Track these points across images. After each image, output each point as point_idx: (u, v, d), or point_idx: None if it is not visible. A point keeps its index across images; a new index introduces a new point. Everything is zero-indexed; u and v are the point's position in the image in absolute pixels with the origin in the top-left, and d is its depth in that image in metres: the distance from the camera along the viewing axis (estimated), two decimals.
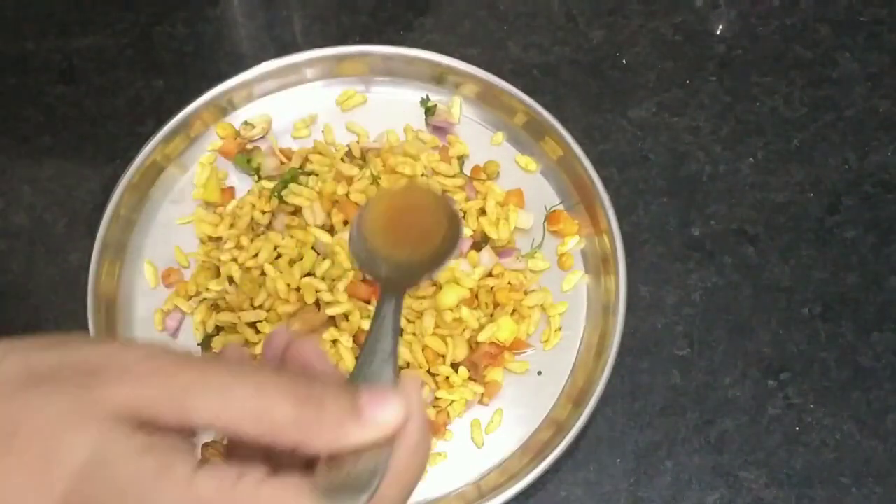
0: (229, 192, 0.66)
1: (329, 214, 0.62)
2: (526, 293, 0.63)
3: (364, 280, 0.60)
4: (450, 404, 0.60)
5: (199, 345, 0.62)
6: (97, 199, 0.66)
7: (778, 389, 0.62)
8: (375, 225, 0.44)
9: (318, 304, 0.60)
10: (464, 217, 0.64)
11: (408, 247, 0.43)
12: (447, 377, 0.60)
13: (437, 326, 0.60)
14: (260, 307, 0.60)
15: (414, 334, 0.61)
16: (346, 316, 0.60)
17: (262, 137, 0.67)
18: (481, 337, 0.61)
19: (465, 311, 0.60)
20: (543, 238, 0.65)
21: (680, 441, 0.61)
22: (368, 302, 0.60)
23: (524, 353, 0.62)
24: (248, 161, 0.66)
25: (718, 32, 0.73)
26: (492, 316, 0.62)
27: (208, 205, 0.65)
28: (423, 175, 0.64)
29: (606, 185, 0.63)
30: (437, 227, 0.44)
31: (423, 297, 0.61)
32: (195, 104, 0.65)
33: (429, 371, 0.60)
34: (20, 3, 0.73)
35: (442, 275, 0.61)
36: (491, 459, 0.60)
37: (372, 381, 0.35)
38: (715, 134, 0.69)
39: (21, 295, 0.64)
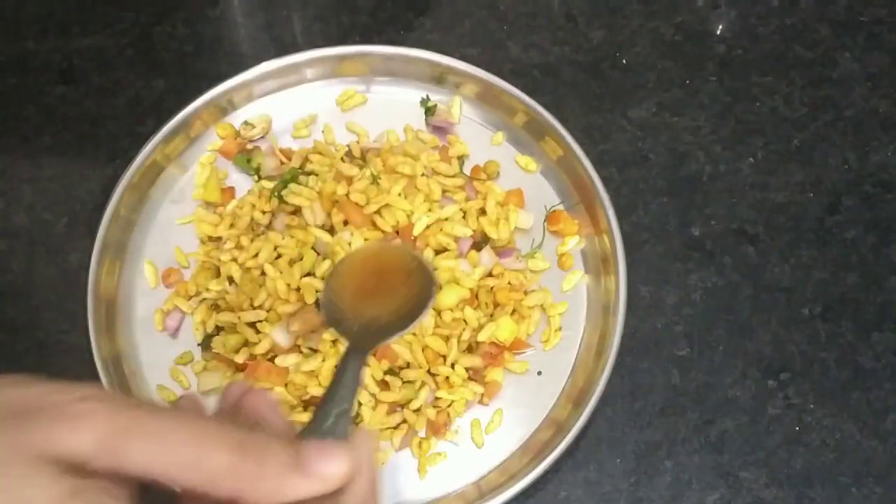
0: (229, 192, 0.66)
1: (329, 214, 0.62)
2: (526, 293, 0.63)
3: None
4: (450, 404, 0.60)
5: (199, 345, 0.62)
6: (97, 199, 0.66)
7: (778, 389, 0.62)
8: (346, 283, 0.45)
9: (318, 304, 0.60)
10: (464, 217, 0.64)
11: (378, 306, 0.44)
12: (447, 377, 0.60)
13: (437, 326, 0.60)
14: (260, 307, 0.60)
15: (414, 334, 0.60)
16: None
17: (262, 137, 0.67)
18: (481, 337, 0.61)
19: (468, 311, 0.60)
20: (543, 238, 0.65)
21: (680, 441, 0.61)
22: None
23: (524, 353, 0.62)
24: (248, 161, 0.66)
25: (718, 32, 0.73)
26: (492, 316, 0.62)
27: (208, 205, 0.65)
28: (423, 175, 0.64)
29: (606, 185, 0.63)
30: (408, 286, 0.45)
31: None
32: (195, 104, 0.65)
33: (429, 371, 0.60)
34: (20, 3, 0.73)
35: (442, 275, 0.61)
36: (491, 459, 0.60)
37: (325, 436, 0.35)
38: (715, 134, 0.69)
39: (21, 295, 0.64)
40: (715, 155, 0.69)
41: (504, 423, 0.61)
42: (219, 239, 0.64)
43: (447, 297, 0.60)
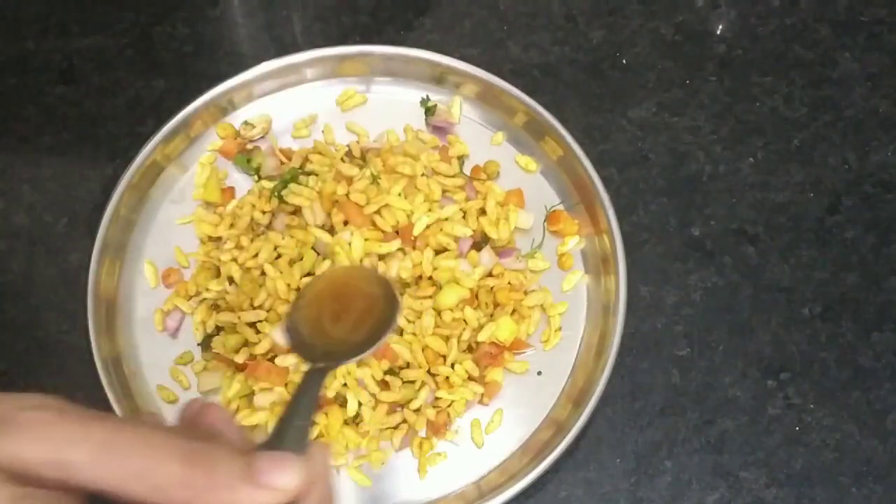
0: (229, 192, 0.66)
1: (329, 214, 0.62)
2: (526, 293, 0.63)
3: None
4: (450, 404, 0.60)
5: (199, 345, 0.62)
6: (97, 199, 0.66)
7: (778, 389, 0.62)
8: (310, 307, 0.46)
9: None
10: (464, 217, 0.64)
11: (341, 329, 0.45)
12: (447, 377, 0.60)
13: (437, 326, 0.60)
14: (260, 307, 0.60)
15: (414, 334, 0.61)
16: None
17: (262, 137, 0.67)
18: (481, 337, 0.61)
19: (468, 311, 0.60)
20: (543, 238, 0.65)
21: (680, 441, 0.61)
22: None
23: (524, 353, 0.62)
24: (248, 161, 0.66)
25: (718, 32, 0.73)
26: (492, 316, 0.62)
27: (208, 205, 0.65)
28: (423, 175, 0.64)
29: (606, 185, 0.63)
30: (371, 308, 0.46)
31: (424, 297, 0.61)
32: (195, 104, 0.65)
33: (429, 371, 0.60)
34: (20, 3, 0.73)
35: (442, 275, 0.61)
36: (491, 459, 0.60)
37: (281, 450, 0.35)
38: (715, 134, 0.69)
39: (21, 295, 0.64)
40: (715, 155, 0.69)
41: (504, 423, 0.61)
42: (219, 239, 0.64)
43: (447, 297, 0.60)
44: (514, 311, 0.62)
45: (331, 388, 0.58)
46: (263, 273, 0.61)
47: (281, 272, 0.61)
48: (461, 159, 0.67)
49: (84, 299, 0.60)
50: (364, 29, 0.73)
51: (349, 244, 0.61)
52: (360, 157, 0.66)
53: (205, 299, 0.62)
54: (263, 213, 0.64)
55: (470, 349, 0.61)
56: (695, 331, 0.64)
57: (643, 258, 0.65)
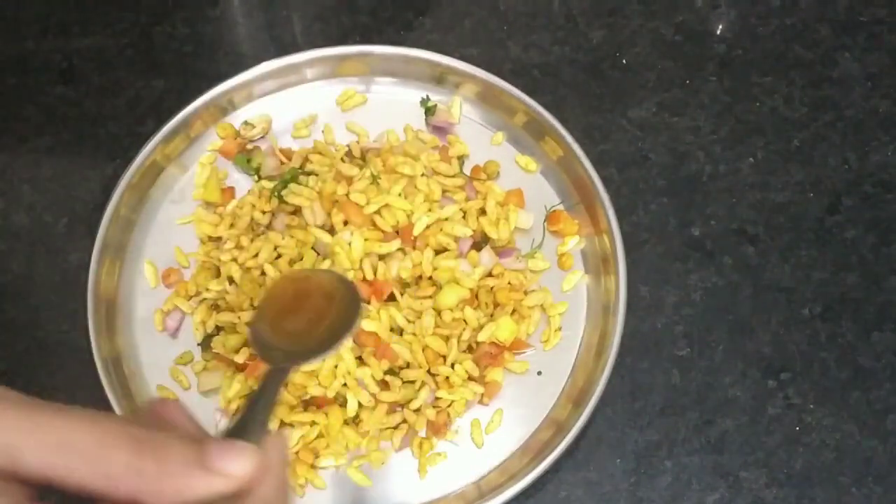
0: (229, 192, 0.66)
1: (329, 214, 0.62)
2: (526, 293, 0.63)
3: (364, 280, 0.60)
4: (450, 404, 0.60)
5: (199, 345, 0.62)
6: (97, 199, 0.66)
7: (778, 389, 0.62)
8: (273, 308, 0.47)
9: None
10: (464, 217, 0.64)
11: (303, 330, 0.46)
12: (447, 377, 0.60)
13: (437, 326, 0.60)
14: None
15: (414, 334, 0.60)
16: None
17: (262, 137, 0.67)
18: (481, 337, 0.61)
19: (468, 311, 0.60)
20: (543, 238, 0.65)
21: (680, 441, 0.61)
22: (368, 302, 0.60)
23: (524, 353, 0.62)
24: (248, 161, 0.66)
25: (718, 32, 0.73)
26: (492, 316, 0.62)
27: (208, 205, 0.65)
28: (423, 175, 0.64)
29: (606, 185, 0.63)
30: (330, 307, 0.47)
31: (424, 297, 0.61)
32: (195, 104, 0.65)
33: (429, 371, 0.60)
34: (20, 3, 0.73)
35: (442, 275, 0.61)
36: (491, 459, 0.60)
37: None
38: (715, 134, 0.69)
39: (21, 295, 0.64)
40: (715, 155, 0.69)
41: (504, 423, 0.61)
42: (219, 239, 0.64)
43: (447, 297, 0.60)
44: (514, 311, 0.62)
45: (331, 388, 0.58)
46: (263, 273, 0.61)
47: (281, 272, 0.61)
48: (461, 159, 0.67)
49: (84, 299, 0.60)
50: (364, 29, 0.73)
51: (349, 244, 0.61)
52: (360, 157, 0.66)
53: (205, 299, 0.62)
54: (263, 213, 0.64)
55: (470, 349, 0.61)
56: (695, 331, 0.64)
57: (643, 258, 0.65)
